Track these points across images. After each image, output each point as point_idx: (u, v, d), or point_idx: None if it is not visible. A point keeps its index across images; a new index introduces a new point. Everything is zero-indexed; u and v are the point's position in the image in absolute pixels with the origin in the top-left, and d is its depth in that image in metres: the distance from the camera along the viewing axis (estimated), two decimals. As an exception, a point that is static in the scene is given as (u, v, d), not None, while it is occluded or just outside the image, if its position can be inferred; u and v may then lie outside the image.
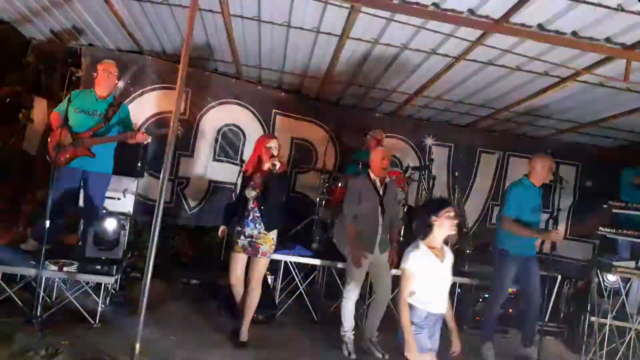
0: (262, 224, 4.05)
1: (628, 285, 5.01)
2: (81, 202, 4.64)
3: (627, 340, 4.76)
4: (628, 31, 3.63)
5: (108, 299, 4.47)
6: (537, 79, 4.87)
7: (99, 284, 4.21)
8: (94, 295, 4.20)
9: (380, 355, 4.34)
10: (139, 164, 5.44)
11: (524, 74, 4.79)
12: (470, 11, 3.74)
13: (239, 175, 5.61)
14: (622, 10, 3.35)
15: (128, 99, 5.78)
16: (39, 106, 5.50)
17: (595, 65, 4.23)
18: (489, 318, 4.82)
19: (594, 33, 3.75)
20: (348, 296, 4.39)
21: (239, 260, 4.13)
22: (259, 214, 4.06)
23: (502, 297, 4.75)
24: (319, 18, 4.29)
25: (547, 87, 5.02)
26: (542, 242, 5.58)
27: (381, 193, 4.44)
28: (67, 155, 4.30)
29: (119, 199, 5.23)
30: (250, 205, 4.08)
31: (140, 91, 5.91)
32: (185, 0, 4.28)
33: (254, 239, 4.05)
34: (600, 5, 3.35)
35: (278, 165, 3.97)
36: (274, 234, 4.14)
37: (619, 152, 6.87)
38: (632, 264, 4.85)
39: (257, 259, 4.08)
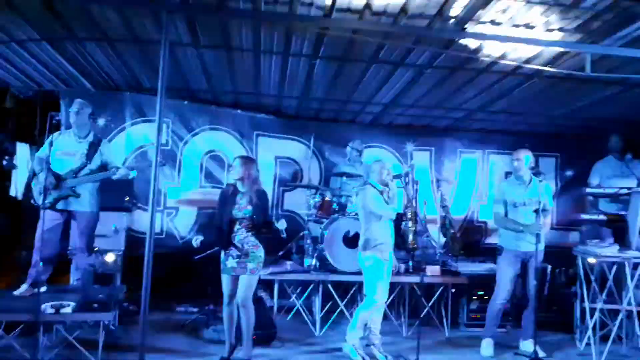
0: (249, 244, 4.14)
1: (614, 268, 5.13)
2: (71, 243, 4.69)
3: (618, 322, 4.86)
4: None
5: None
6: (505, 78, 5.04)
7: (97, 321, 4.24)
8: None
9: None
10: (126, 199, 5.52)
11: (490, 75, 4.96)
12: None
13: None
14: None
15: (110, 135, 5.86)
16: (22, 151, 5.56)
17: (558, 60, 4.40)
18: (489, 314, 4.95)
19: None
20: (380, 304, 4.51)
21: (230, 282, 4.19)
22: (244, 235, 4.15)
23: (502, 293, 4.87)
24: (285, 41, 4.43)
25: (516, 84, 5.19)
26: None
27: None
28: (52, 198, 4.36)
29: (109, 236, 5.31)
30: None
31: (121, 126, 6.00)
32: (156, 37, 4.39)
33: (242, 259, 4.13)
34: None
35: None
36: (261, 252, 4.22)
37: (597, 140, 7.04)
38: (615, 247, 4.99)
39: (245, 277, 4.14)
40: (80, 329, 4.23)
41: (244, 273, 4.14)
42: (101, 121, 5.77)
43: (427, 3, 3.59)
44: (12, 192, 5.58)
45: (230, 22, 4.08)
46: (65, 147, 4.50)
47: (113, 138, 5.91)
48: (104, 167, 4.61)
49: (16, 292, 4.41)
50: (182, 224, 6.35)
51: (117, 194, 5.33)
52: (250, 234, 4.16)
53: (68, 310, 4.17)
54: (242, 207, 4.15)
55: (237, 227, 4.17)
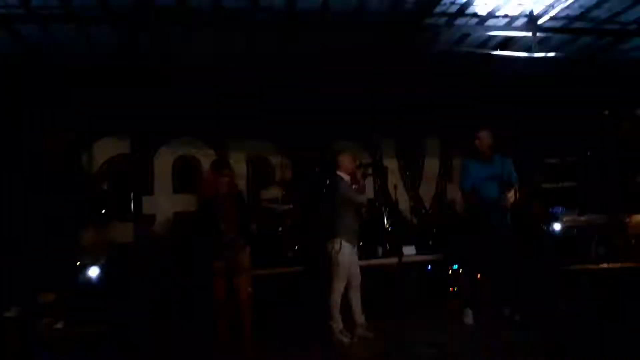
0: (234, 245, 4.27)
1: (575, 232, 5.50)
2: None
3: (583, 282, 5.21)
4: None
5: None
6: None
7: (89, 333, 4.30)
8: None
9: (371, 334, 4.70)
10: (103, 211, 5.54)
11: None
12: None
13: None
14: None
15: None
16: None
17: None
18: (466, 286, 5.25)
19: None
20: (338, 290, 4.67)
21: (221, 284, 4.30)
22: (229, 237, 4.26)
23: (475, 265, 5.15)
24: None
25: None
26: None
27: None
28: None
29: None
30: (219, 229, 4.27)
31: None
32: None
33: (229, 260, 4.24)
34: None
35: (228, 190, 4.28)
36: (247, 251, 4.36)
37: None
38: (575, 213, 5.34)
39: (240, 277, 4.28)
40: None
41: (237, 274, 4.29)
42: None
43: None
44: None
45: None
46: None
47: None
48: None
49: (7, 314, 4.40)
50: (160, 231, 6.38)
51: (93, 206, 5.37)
52: None
53: (59, 325, 4.25)
54: None
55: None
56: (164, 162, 6.54)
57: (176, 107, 6.02)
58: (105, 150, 6.24)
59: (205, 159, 6.52)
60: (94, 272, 4.88)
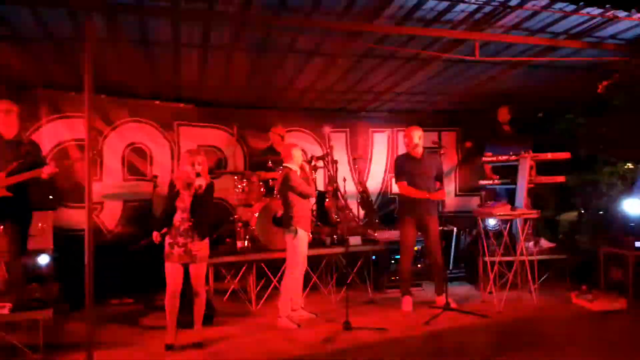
0: (195, 234, 4.31)
1: (508, 225, 5.94)
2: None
3: (513, 271, 5.67)
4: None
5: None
6: (406, 63, 5.59)
7: (35, 321, 4.28)
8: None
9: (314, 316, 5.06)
10: (50, 197, 5.48)
11: (394, 61, 5.49)
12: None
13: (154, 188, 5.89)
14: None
15: (27, 134, 5.73)
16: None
17: (451, 47, 5.00)
18: (401, 275, 5.57)
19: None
20: (297, 275, 4.96)
21: (176, 271, 4.33)
22: (190, 224, 4.31)
23: (407, 254, 5.50)
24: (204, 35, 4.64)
25: (416, 69, 5.78)
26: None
27: None
28: None
29: (36, 235, 5.26)
30: (181, 216, 4.31)
31: (37, 124, 5.87)
32: (71, 34, 4.41)
33: (188, 247, 4.30)
34: None
35: (203, 186, 4.28)
36: (206, 241, 4.43)
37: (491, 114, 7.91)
38: (507, 207, 5.77)
39: (197, 265, 4.35)
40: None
41: (194, 261, 4.34)
42: (16, 120, 5.62)
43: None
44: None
45: (149, 19, 4.22)
46: None
47: (30, 136, 5.77)
48: (32, 166, 4.57)
49: None
50: (109, 218, 6.37)
51: (40, 192, 5.28)
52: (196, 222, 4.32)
53: (5, 311, 4.21)
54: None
55: (181, 216, 4.31)
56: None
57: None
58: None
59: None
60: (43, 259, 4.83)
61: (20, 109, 5.62)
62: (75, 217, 6.03)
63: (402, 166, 5.55)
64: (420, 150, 5.51)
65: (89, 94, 3.74)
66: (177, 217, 4.33)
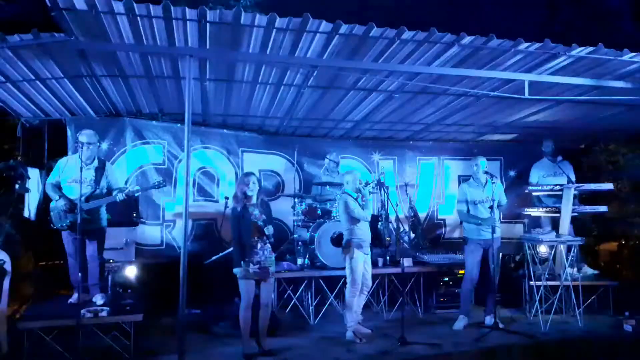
0: (268, 250, 4.86)
1: (553, 251, 6.26)
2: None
3: (558, 296, 5.96)
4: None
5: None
6: (457, 99, 6.07)
7: (127, 323, 4.84)
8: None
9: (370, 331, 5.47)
10: (134, 214, 6.13)
11: (446, 97, 5.99)
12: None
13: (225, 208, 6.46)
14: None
15: (113, 158, 6.44)
16: (33, 176, 6.04)
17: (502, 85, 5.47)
18: (462, 295, 5.95)
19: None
20: (354, 292, 5.37)
21: (251, 286, 4.84)
22: (264, 242, 4.85)
23: (470, 276, 5.85)
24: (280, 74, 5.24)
25: (466, 105, 6.25)
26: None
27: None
28: (68, 221, 5.01)
29: (121, 248, 5.91)
30: (256, 235, 4.83)
31: (122, 149, 6.58)
32: (167, 73, 5.10)
33: (262, 264, 4.81)
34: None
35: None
36: (273, 256, 4.96)
37: (533, 145, 8.26)
38: (553, 233, 6.10)
39: (268, 281, 4.87)
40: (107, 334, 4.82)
41: (266, 277, 4.85)
42: (104, 145, 6.36)
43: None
44: (26, 214, 6.03)
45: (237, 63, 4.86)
46: (74, 174, 4.99)
47: (115, 160, 6.47)
48: (109, 189, 5.25)
49: (71, 300, 5.09)
50: (180, 235, 6.97)
51: (125, 210, 5.95)
52: (266, 240, 4.87)
53: (104, 314, 4.81)
54: (258, 218, 4.84)
55: (256, 236, 4.83)
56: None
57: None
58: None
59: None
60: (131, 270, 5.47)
61: (109, 135, 6.46)
62: (148, 232, 6.67)
63: (466, 193, 5.94)
64: (483, 177, 5.92)
65: (188, 125, 4.32)
66: (252, 237, 4.79)
